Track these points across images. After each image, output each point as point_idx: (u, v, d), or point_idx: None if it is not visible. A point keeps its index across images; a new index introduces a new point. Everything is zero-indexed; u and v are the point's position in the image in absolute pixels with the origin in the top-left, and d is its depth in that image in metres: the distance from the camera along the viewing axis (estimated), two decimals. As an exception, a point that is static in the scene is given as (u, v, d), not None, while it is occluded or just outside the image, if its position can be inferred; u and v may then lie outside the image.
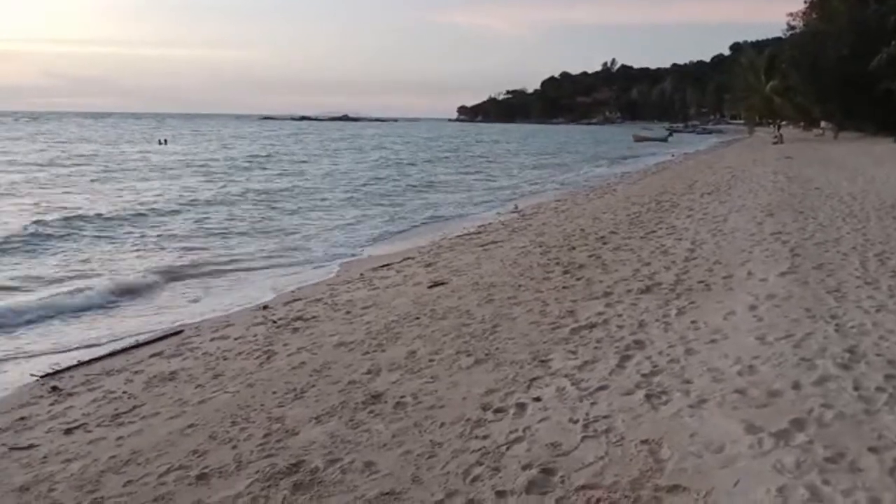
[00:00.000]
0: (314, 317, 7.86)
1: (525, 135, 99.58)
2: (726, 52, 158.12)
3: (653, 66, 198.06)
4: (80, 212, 17.39)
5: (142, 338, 7.62)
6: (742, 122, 78.62)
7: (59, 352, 7.30)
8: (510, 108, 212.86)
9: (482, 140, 79.92)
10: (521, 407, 4.55)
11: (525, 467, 3.75)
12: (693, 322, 6.14)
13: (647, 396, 4.51)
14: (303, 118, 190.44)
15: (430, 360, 5.68)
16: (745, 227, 11.20)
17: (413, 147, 62.36)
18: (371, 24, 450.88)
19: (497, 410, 4.53)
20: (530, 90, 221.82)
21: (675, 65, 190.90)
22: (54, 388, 6.00)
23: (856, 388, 4.43)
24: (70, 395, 5.84)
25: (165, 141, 59.09)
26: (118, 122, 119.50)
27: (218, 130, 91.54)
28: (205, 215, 17.91)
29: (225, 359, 6.48)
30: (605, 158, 46.26)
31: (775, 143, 45.39)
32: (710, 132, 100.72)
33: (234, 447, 4.35)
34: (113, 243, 13.92)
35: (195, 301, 9.60)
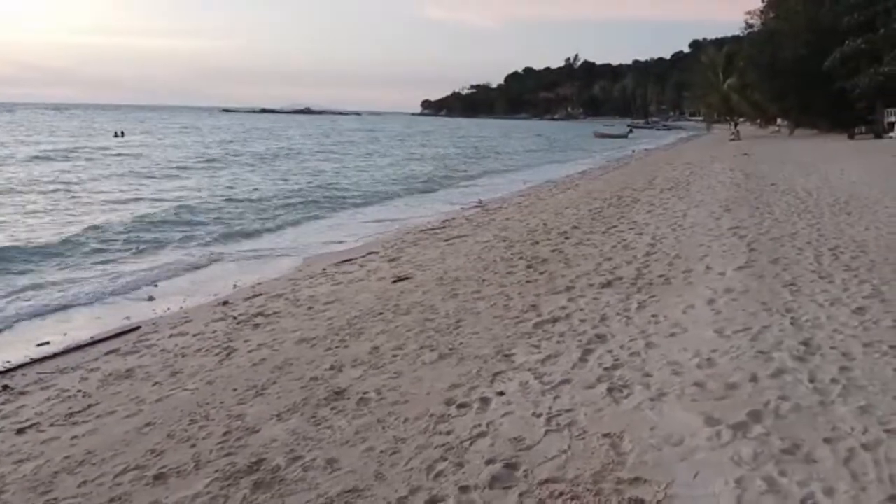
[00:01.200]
0: (275, 312, 7.76)
1: (503, 130, 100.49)
2: (686, 50, 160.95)
3: (615, 63, 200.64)
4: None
5: (97, 334, 7.44)
6: (701, 118, 79.97)
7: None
8: (474, 103, 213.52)
9: (474, 134, 79.51)
10: (485, 401, 4.55)
11: (489, 462, 3.75)
12: (653, 316, 6.22)
13: (609, 390, 4.56)
14: (263, 111, 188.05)
15: (394, 356, 5.65)
16: (704, 222, 11.40)
17: (437, 142, 63.27)
18: (338, 15, 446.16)
19: (461, 405, 4.52)
20: (494, 85, 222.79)
21: (636, 61, 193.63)
22: (5, 387, 5.81)
23: (811, 381, 4.53)
24: (22, 393, 5.67)
25: (123, 133, 57.80)
26: (80, 115, 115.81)
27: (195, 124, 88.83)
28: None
29: (183, 356, 6.36)
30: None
31: (732, 140, 46.34)
32: (670, 129, 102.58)
33: (193, 446, 4.27)
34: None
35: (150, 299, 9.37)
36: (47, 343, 7.26)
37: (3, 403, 5.42)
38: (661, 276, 7.76)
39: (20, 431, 4.78)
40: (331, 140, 61.55)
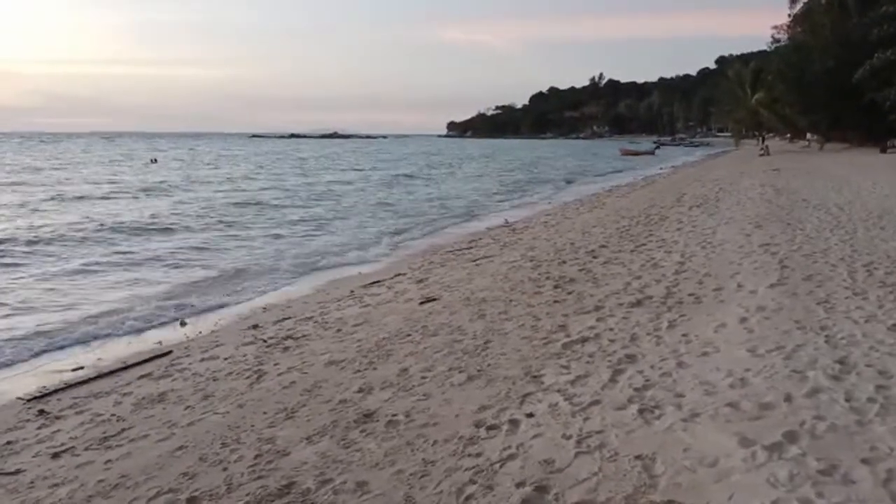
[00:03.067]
0: (304, 335, 7.81)
1: (531, 148, 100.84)
2: (712, 66, 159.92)
3: (640, 81, 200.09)
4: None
5: (130, 359, 7.55)
6: (729, 134, 79.25)
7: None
8: (499, 124, 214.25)
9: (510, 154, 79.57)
10: (514, 423, 4.53)
11: (519, 485, 3.72)
12: (684, 335, 6.15)
13: (640, 411, 4.50)
14: (292, 136, 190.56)
15: (423, 378, 5.65)
16: (734, 239, 11.26)
17: (483, 161, 65.61)
18: (361, 41, 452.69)
19: (490, 427, 4.50)
20: (519, 105, 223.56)
21: (661, 79, 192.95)
22: (41, 412, 5.92)
23: (847, 400, 4.44)
24: (57, 418, 5.76)
25: (156, 160, 58.95)
26: (121, 143, 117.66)
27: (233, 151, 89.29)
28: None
29: (215, 379, 6.42)
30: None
31: (762, 156, 45.78)
32: (698, 145, 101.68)
33: (225, 469, 4.30)
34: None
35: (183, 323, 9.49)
36: (81, 368, 7.38)
37: (39, 428, 5.52)
38: (691, 294, 7.67)
39: (55, 456, 4.86)
40: (410, 163, 62.36)
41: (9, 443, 5.21)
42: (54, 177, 39.49)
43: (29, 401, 6.28)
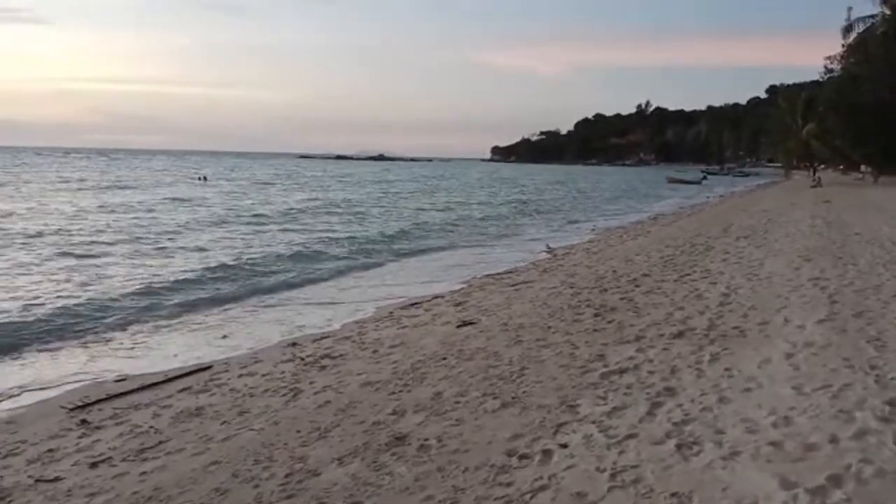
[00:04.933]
0: (342, 355, 7.85)
1: (578, 175, 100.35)
2: (763, 95, 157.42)
3: (688, 108, 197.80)
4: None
5: (171, 372, 7.68)
6: (779, 165, 77.67)
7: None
8: (544, 149, 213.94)
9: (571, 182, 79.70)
10: (548, 454, 4.45)
11: (549, 517, 3.65)
12: (727, 369, 5.98)
13: (678, 446, 4.38)
14: (339, 157, 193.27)
15: (456, 402, 5.61)
16: (782, 272, 10.97)
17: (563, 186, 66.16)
18: (407, 65, 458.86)
19: (522, 456, 4.43)
20: (564, 131, 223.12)
21: (710, 107, 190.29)
22: (83, 421, 6.05)
23: (897, 443, 4.24)
24: (98, 428, 5.89)
25: (205, 178, 60.37)
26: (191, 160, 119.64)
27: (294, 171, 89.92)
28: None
29: (251, 395, 6.49)
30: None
31: (813, 187, 44.68)
32: (747, 175, 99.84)
33: (256, 486, 4.32)
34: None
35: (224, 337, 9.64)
36: (124, 379, 7.53)
37: (80, 437, 5.64)
38: (735, 327, 7.48)
39: (94, 465, 4.95)
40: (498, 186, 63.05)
41: (50, 450, 5.34)
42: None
43: (72, 410, 6.43)
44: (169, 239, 19.57)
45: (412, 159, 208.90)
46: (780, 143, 63.30)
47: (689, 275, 11.16)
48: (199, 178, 59.36)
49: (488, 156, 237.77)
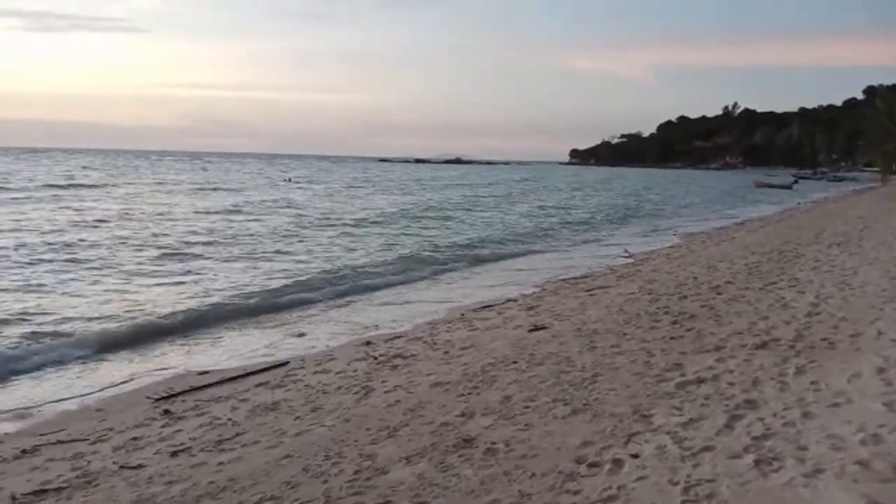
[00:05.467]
0: (413, 355, 7.91)
1: (661, 179, 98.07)
2: (859, 96, 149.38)
3: (779, 110, 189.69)
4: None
5: (250, 367, 7.93)
6: (876, 169, 73.50)
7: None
8: (624, 152, 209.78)
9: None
10: (618, 463, 4.33)
11: (618, 528, 3.55)
12: (813, 383, 5.68)
13: (757, 462, 4.18)
14: (418, 161, 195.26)
15: (525, 407, 5.55)
16: (877, 281, 10.35)
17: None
18: (483, 68, 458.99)
19: (591, 465, 4.33)
20: (645, 134, 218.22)
21: (802, 108, 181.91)
22: (166, 412, 6.32)
23: None
24: (180, 419, 6.13)
25: (290, 179, 62.19)
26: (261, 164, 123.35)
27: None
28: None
29: (325, 392, 6.61)
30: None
31: (915, 193, 42.09)
32: (841, 180, 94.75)
33: (325, 482, 4.40)
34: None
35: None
36: (207, 372, 7.83)
37: (162, 427, 5.89)
38: (823, 339, 7.10)
39: (174, 454, 5.16)
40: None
41: (134, 438, 5.60)
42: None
43: (156, 400, 6.72)
44: (272, 241, 20.08)
45: (489, 162, 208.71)
46: (877, 146, 60.08)
47: (775, 283, 10.69)
48: (285, 180, 61.16)
49: (567, 159, 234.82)
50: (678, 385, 5.85)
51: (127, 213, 26.35)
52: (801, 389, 5.54)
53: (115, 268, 14.65)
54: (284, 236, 21.35)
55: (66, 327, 9.60)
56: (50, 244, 17.30)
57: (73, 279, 13.28)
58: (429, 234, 23.39)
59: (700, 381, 5.94)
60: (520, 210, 36.44)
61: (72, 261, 15.17)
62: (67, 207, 27.52)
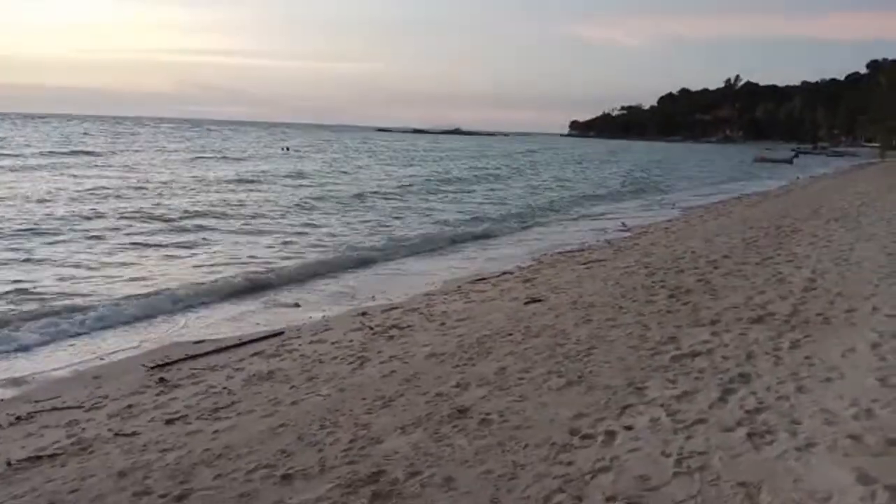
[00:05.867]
0: (409, 326, 7.91)
1: (661, 152, 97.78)
2: (863, 70, 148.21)
3: (781, 84, 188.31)
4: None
5: (245, 336, 7.94)
6: (878, 145, 73.18)
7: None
8: (625, 125, 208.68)
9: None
10: (611, 434, 4.35)
11: (609, 499, 3.57)
12: (807, 357, 5.70)
13: (749, 435, 4.20)
14: (416, 131, 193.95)
15: (520, 379, 5.56)
16: (875, 257, 10.35)
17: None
18: (483, 37, 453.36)
19: (585, 436, 4.35)
20: (646, 106, 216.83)
21: (805, 82, 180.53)
22: (161, 380, 6.33)
23: None
24: (175, 387, 6.14)
25: (288, 149, 61.76)
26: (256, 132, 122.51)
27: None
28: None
29: (320, 362, 6.62)
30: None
31: (915, 169, 41.99)
32: (842, 155, 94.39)
33: (320, 451, 4.41)
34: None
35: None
36: (202, 341, 7.83)
37: (157, 395, 5.90)
38: (819, 314, 7.11)
39: (169, 422, 5.17)
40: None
41: (129, 406, 5.61)
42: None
43: (152, 368, 6.73)
44: (291, 214, 19.98)
45: (489, 133, 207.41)
46: (879, 121, 59.78)
47: (772, 258, 10.69)
48: (283, 150, 60.74)
49: (566, 130, 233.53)
50: (673, 358, 5.87)
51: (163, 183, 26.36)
52: (796, 364, 5.56)
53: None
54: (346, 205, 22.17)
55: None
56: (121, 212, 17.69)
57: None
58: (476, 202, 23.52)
59: (695, 354, 5.96)
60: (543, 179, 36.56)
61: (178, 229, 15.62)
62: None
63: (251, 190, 26.26)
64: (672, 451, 4.05)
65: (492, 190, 31.40)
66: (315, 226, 17.96)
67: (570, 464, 3.99)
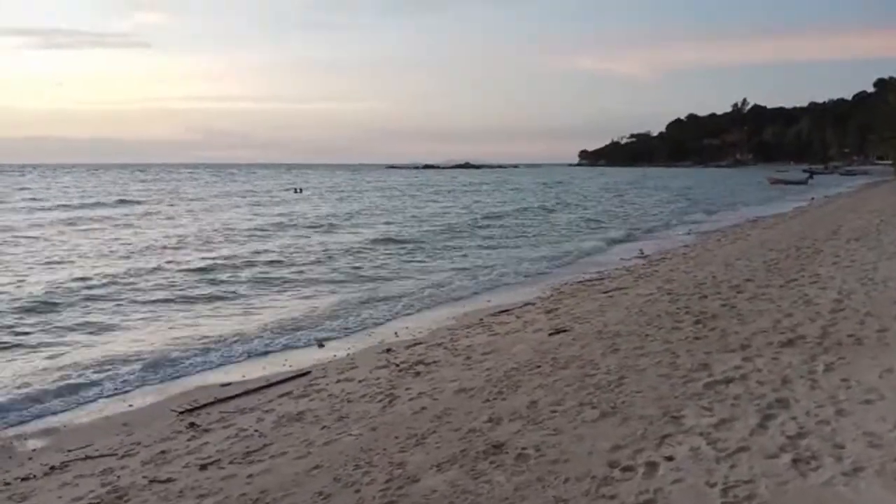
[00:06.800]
0: (435, 361, 7.88)
1: (673, 178, 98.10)
2: (871, 89, 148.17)
3: (788, 105, 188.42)
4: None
5: (272, 377, 7.93)
6: (889, 163, 72.73)
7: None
8: (634, 152, 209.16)
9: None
10: (652, 466, 4.28)
11: (657, 532, 3.50)
12: (844, 380, 5.61)
13: (794, 461, 4.12)
14: (427, 166, 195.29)
15: (553, 411, 5.50)
16: (900, 275, 10.23)
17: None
18: (492, 70, 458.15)
19: (625, 469, 4.28)
20: (655, 133, 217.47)
21: (812, 103, 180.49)
22: (192, 424, 6.32)
23: None
24: (206, 431, 6.13)
25: (300, 190, 62.28)
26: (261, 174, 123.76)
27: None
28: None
29: (349, 401, 6.60)
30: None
31: (930, 185, 41.68)
32: (854, 174, 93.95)
33: (357, 491, 4.37)
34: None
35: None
36: (229, 384, 7.83)
37: (189, 440, 5.89)
38: (850, 335, 7.01)
39: (203, 467, 5.15)
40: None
41: (162, 452, 5.60)
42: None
43: (181, 413, 6.73)
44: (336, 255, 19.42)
45: (499, 166, 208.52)
46: (890, 139, 59.53)
47: (795, 280, 10.59)
48: (296, 191, 61.23)
49: (575, 160, 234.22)
50: (706, 385, 5.79)
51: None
52: (833, 387, 5.46)
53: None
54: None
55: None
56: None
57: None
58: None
59: (728, 380, 5.87)
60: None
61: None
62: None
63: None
64: (717, 480, 3.98)
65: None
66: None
67: (613, 497, 3.92)
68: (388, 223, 29.68)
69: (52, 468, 5.50)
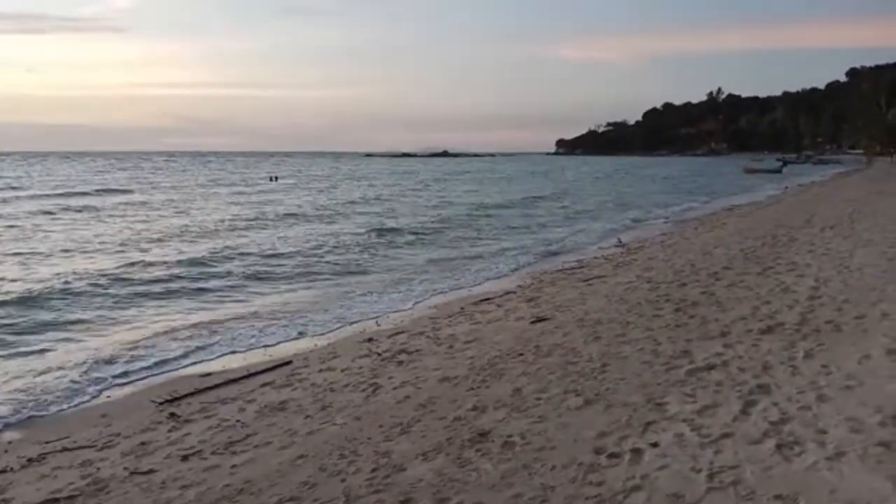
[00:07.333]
0: (417, 350, 7.86)
1: (652, 167, 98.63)
2: (843, 79, 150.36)
3: (762, 95, 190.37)
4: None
5: (253, 367, 7.85)
6: (861, 152, 73.92)
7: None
8: (611, 141, 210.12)
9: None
10: (638, 452, 4.30)
11: (645, 518, 3.52)
12: (824, 366, 5.68)
13: (778, 446, 4.16)
14: (404, 155, 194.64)
15: (537, 399, 5.51)
16: (875, 262, 10.39)
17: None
18: (469, 59, 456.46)
19: (611, 455, 4.30)
20: (631, 122, 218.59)
21: (786, 93, 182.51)
22: (172, 415, 6.24)
23: None
24: (187, 421, 6.06)
25: (276, 178, 61.76)
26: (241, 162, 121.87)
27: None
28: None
29: (332, 390, 6.56)
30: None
31: (901, 174, 42.43)
32: (827, 163, 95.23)
33: (343, 481, 4.35)
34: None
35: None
36: (209, 374, 7.74)
37: (170, 431, 5.81)
38: (828, 321, 7.11)
39: (185, 458, 5.09)
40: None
41: (143, 443, 5.52)
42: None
43: (161, 404, 6.64)
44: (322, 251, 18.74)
45: (476, 155, 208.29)
46: (862, 128, 60.58)
47: (772, 268, 10.71)
48: (271, 179, 60.70)
49: (552, 149, 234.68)
50: (688, 372, 5.83)
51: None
52: (813, 373, 5.53)
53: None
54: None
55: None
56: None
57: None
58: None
59: (710, 367, 5.92)
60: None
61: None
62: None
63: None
64: (702, 466, 4.01)
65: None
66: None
67: (600, 484, 3.94)
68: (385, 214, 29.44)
69: (30, 460, 5.40)
